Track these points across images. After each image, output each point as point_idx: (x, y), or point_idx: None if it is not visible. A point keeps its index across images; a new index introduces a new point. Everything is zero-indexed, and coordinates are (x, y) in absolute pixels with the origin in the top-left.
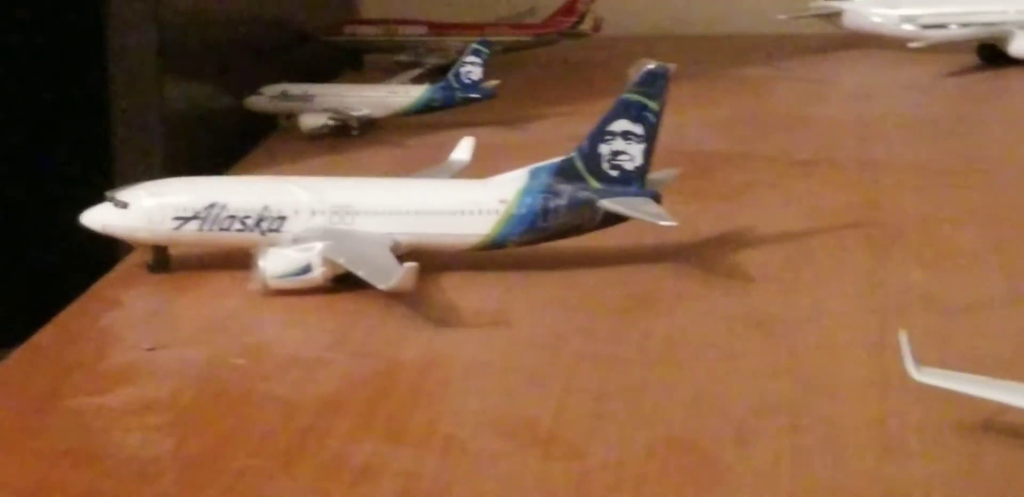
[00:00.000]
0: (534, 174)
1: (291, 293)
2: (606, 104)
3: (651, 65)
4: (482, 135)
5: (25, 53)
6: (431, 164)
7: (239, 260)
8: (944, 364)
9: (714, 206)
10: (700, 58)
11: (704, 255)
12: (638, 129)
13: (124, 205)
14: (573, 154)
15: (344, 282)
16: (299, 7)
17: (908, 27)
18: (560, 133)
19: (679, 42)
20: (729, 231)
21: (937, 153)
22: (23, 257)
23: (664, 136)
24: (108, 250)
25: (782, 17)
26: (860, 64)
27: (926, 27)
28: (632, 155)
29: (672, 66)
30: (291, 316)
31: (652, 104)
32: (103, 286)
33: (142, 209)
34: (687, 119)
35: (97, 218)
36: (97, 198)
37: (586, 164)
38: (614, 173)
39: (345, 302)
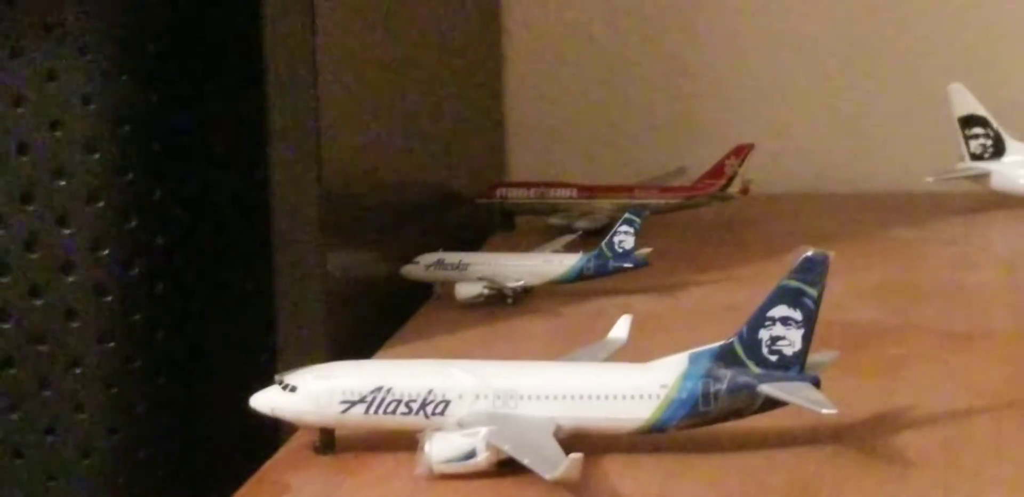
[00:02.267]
0: (694, 359)
1: (455, 477)
2: (759, 268)
3: (809, 252)
4: (636, 303)
5: (189, 228)
6: (583, 336)
7: (403, 441)
8: None
9: (869, 382)
10: (847, 218)
11: (862, 436)
12: (797, 315)
13: (293, 389)
14: (733, 339)
15: (508, 465)
16: (452, 170)
17: None
18: (714, 301)
19: (827, 201)
20: (886, 410)
21: None
22: (185, 431)
23: None
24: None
25: (929, 180)
26: (1010, 226)
27: None
28: (791, 340)
29: (831, 254)
30: None
31: (811, 290)
32: (271, 469)
33: (310, 393)
34: (838, 287)
35: (266, 401)
36: (256, 370)
37: (746, 349)
38: (773, 358)
39: (509, 487)
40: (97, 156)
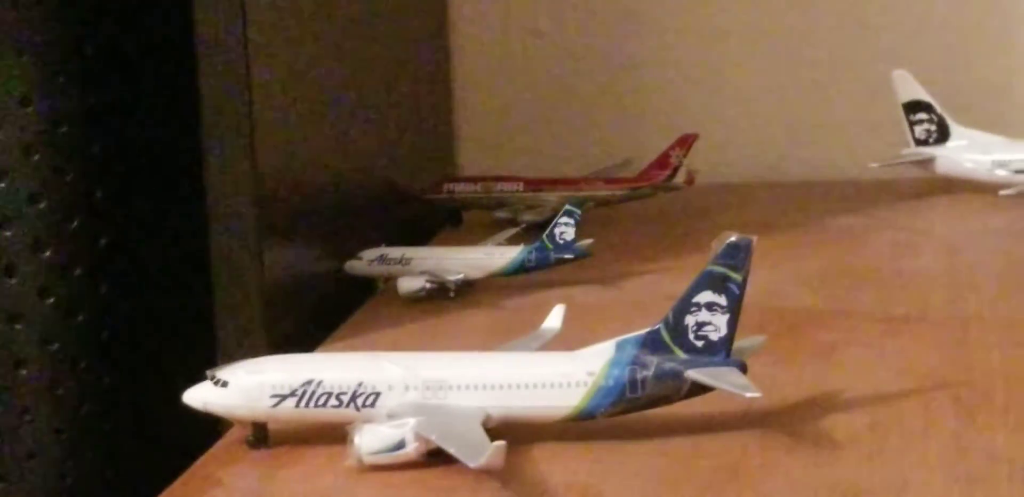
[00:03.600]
0: (620, 346)
1: (386, 468)
2: (703, 259)
3: (733, 238)
4: (577, 295)
5: (131, 229)
6: (525, 329)
7: (337, 434)
8: None
9: (802, 367)
10: (793, 207)
11: (791, 421)
12: (722, 300)
13: (224, 383)
14: (659, 325)
15: (438, 456)
16: (399, 166)
17: (1000, 172)
18: (656, 291)
19: (774, 190)
20: (816, 394)
21: None
22: (129, 430)
23: (756, 292)
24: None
25: (875, 165)
26: (953, 211)
27: (1018, 172)
28: (717, 326)
29: (754, 238)
30: (386, 492)
31: (735, 276)
32: (204, 463)
33: (241, 387)
34: (779, 274)
35: (198, 397)
36: (200, 369)
37: (672, 335)
38: (700, 344)
39: (438, 478)
40: (37, 158)
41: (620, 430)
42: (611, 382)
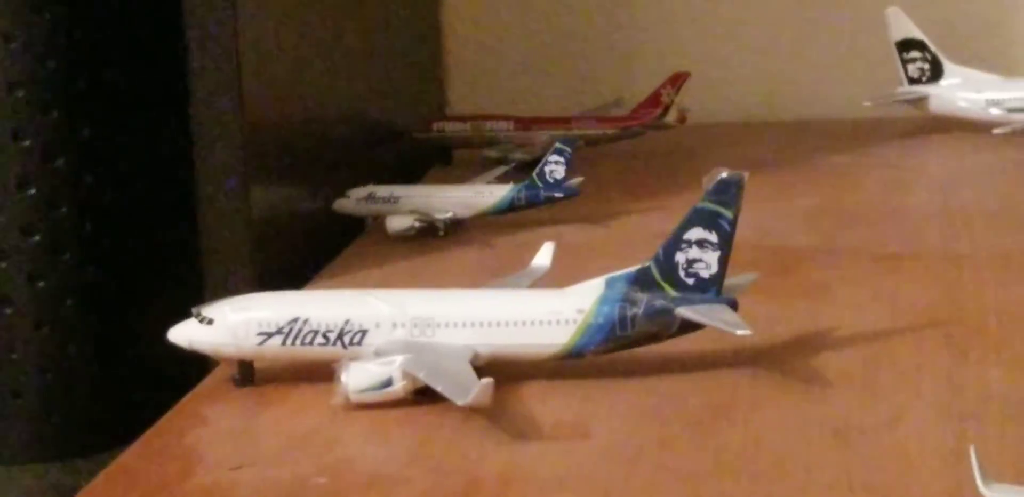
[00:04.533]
0: (611, 283)
1: (373, 406)
2: (693, 197)
3: (724, 174)
4: (567, 233)
5: (118, 167)
6: (514, 267)
7: (324, 372)
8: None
9: (795, 305)
10: (787, 145)
11: (783, 358)
12: (713, 237)
13: (210, 321)
14: (649, 263)
15: (426, 394)
16: (390, 104)
17: (994, 111)
18: (646, 230)
19: (767, 129)
20: (809, 332)
21: (1020, 244)
22: (117, 367)
23: (748, 231)
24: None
25: (868, 104)
26: (946, 149)
27: (1012, 111)
28: (708, 263)
29: (745, 174)
30: (372, 430)
31: (726, 212)
32: (190, 401)
33: (227, 325)
34: (772, 212)
35: (183, 334)
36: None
37: (662, 272)
38: (690, 281)
39: (425, 415)
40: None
41: (610, 368)
42: (601, 319)
